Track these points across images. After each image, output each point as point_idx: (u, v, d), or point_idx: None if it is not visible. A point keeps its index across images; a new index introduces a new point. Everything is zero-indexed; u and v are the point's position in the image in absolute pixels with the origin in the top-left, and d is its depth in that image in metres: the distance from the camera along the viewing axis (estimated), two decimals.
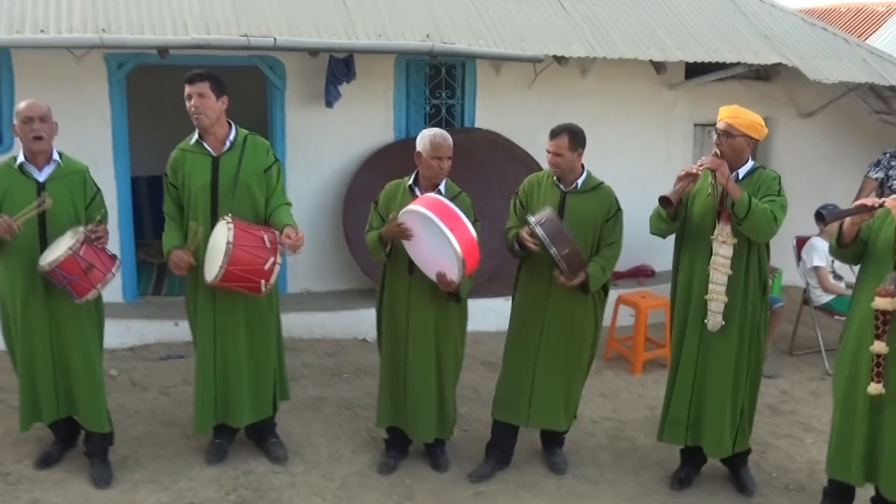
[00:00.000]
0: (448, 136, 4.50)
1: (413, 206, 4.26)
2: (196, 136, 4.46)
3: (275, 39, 5.93)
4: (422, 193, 4.48)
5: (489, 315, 6.60)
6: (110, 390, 4.65)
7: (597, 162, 7.35)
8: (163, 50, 5.86)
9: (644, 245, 7.75)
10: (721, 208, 4.35)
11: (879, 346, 3.89)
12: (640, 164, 7.92)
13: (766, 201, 4.27)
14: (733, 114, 4.36)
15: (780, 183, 4.39)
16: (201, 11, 6.20)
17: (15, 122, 4.22)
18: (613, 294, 6.84)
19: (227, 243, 4.12)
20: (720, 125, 4.38)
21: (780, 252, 6.51)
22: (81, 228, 4.21)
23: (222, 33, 5.98)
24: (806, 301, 7.09)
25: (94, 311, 4.46)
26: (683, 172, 4.37)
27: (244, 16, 6.22)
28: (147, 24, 5.99)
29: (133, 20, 6.00)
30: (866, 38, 14.73)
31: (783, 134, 8.53)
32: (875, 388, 3.93)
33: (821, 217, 3.94)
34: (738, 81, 8.02)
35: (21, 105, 4.22)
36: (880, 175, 7.13)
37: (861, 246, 4.09)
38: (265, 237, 4.28)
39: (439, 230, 4.14)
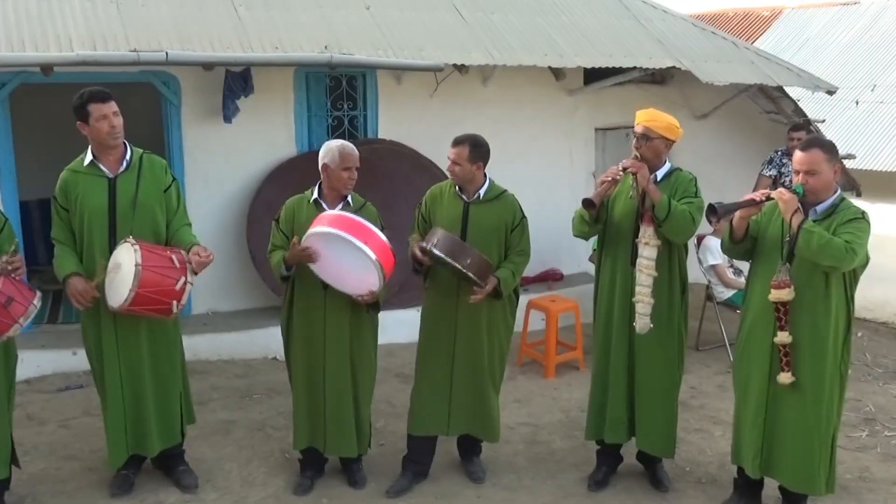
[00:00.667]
0: (350, 145, 4.45)
1: (318, 228, 4.18)
2: (89, 156, 4.26)
3: (166, 54, 5.72)
4: (328, 206, 4.40)
5: (400, 326, 6.55)
6: None
7: (501, 168, 7.37)
8: (47, 67, 5.59)
9: (552, 249, 7.87)
10: (643, 210, 4.42)
11: (783, 337, 4.01)
12: (543, 168, 8.02)
13: (683, 202, 4.35)
14: (650, 117, 4.45)
15: (696, 185, 4.49)
16: (87, 26, 5.96)
17: None
18: (524, 299, 6.91)
19: (136, 265, 3.96)
20: (638, 129, 4.46)
21: None
22: None
23: (110, 48, 5.75)
24: (709, 297, 7.28)
25: (4, 349, 4.15)
26: (608, 176, 4.42)
27: (133, 29, 6.01)
28: (29, 41, 5.71)
29: (13, 36, 5.71)
30: (753, 42, 15.33)
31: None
32: (786, 377, 4.04)
33: (713, 211, 4.05)
34: (635, 85, 8.20)
35: None
36: (773, 172, 7.40)
37: (751, 242, 4.22)
38: (173, 257, 4.14)
39: (352, 245, 4.09)
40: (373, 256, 4.11)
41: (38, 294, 4.06)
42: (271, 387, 6.08)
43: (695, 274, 7.68)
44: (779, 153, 7.47)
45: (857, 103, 11.31)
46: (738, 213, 4.12)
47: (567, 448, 5.29)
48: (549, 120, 8.04)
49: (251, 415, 5.63)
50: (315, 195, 4.47)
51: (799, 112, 8.49)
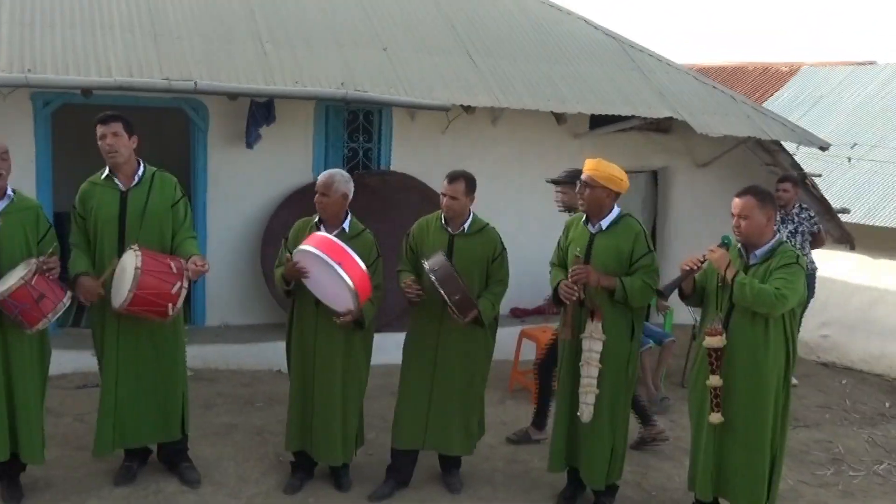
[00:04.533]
0: (334, 174, 4.82)
1: (303, 246, 4.58)
2: (106, 171, 4.69)
3: (195, 83, 6.26)
4: (326, 230, 4.82)
5: (398, 348, 6.88)
6: None
7: (507, 204, 7.85)
8: (87, 90, 6.13)
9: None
10: (590, 308, 4.68)
11: (714, 380, 4.35)
12: (548, 206, 8.36)
13: (638, 270, 4.63)
14: (594, 166, 4.71)
15: (646, 237, 4.74)
16: (125, 55, 6.51)
17: None
18: (516, 329, 7.29)
19: (136, 268, 4.34)
20: (583, 176, 4.75)
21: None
22: (34, 259, 4.35)
23: (145, 76, 6.30)
24: (695, 337, 7.57)
25: (41, 346, 4.58)
26: (565, 293, 4.65)
27: (166, 59, 6.56)
28: (72, 65, 6.27)
29: (58, 61, 6.28)
30: (771, 96, 15.66)
31: (681, 182, 9.14)
32: (716, 417, 4.40)
33: (661, 294, 4.49)
34: (639, 132, 8.61)
35: None
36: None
37: (702, 293, 4.59)
38: (171, 264, 4.51)
39: (329, 266, 4.47)
40: (347, 279, 4.46)
41: (69, 293, 4.47)
42: (273, 396, 6.49)
43: (683, 316, 8.05)
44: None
45: (849, 160, 11.63)
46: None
47: (543, 468, 5.56)
48: (555, 161, 8.37)
49: (251, 420, 6.03)
50: (317, 218, 4.91)
51: (796, 165, 8.83)
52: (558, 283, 4.77)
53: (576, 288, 4.64)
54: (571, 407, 4.88)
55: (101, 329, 4.76)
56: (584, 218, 4.85)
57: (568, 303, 4.71)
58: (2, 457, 4.54)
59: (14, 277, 4.28)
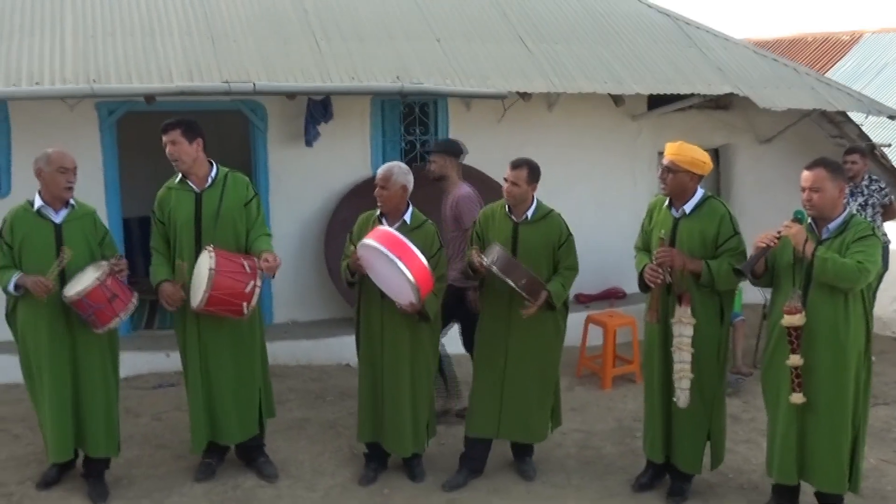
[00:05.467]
0: (392, 167, 4.87)
1: (366, 240, 4.64)
2: (180, 174, 4.85)
3: (254, 85, 6.34)
4: (388, 222, 4.86)
5: None
6: None
7: (566, 189, 7.77)
8: (149, 97, 6.26)
9: (615, 268, 8.15)
10: (678, 292, 4.60)
11: (795, 359, 4.23)
12: (607, 190, 8.32)
13: (725, 255, 4.53)
14: (675, 151, 4.61)
15: (732, 220, 4.61)
16: (185, 60, 6.63)
17: (42, 167, 4.52)
18: (584, 314, 7.25)
19: (210, 269, 4.47)
20: (665, 161, 4.66)
21: None
22: (104, 262, 4.57)
23: (205, 80, 6.39)
24: (765, 316, 7.41)
25: (110, 345, 4.79)
26: (654, 279, 4.57)
27: (225, 63, 6.65)
28: (134, 74, 6.40)
29: (121, 70, 6.41)
30: (832, 66, 15.27)
31: (743, 159, 8.97)
32: (797, 397, 4.29)
33: (739, 273, 4.37)
34: (698, 111, 8.46)
35: (53, 153, 4.55)
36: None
37: (772, 272, 4.47)
38: (245, 263, 4.63)
39: (390, 260, 4.51)
40: (408, 273, 4.49)
41: (136, 294, 4.68)
42: (343, 390, 6.56)
43: (753, 294, 7.88)
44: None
45: None
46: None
47: (616, 453, 5.58)
48: (613, 143, 8.35)
49: (324, 414, 6.11)
50: (379, 211, 4.95)
51: (863, 136, 8.58)
52: (643, 268, 4.72)
53: (661, 271, 4.58)
54: (663, 393, 4.82)
55: (182, 327, 4.91)
56: (666, 201, 4.77)
57: (653, 286, 4.66)
58: (66, 456, 4.74)
59: (88, 278, 4.45)
